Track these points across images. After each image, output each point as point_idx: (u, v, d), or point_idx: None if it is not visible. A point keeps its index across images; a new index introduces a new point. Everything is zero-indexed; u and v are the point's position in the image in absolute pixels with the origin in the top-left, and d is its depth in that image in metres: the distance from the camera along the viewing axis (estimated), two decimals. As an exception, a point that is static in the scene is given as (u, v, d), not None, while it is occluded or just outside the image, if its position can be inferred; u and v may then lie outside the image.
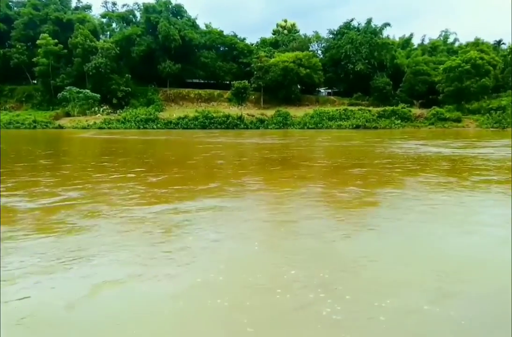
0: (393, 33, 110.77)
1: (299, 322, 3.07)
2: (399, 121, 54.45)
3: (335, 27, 72.26)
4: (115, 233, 5.23)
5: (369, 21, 69.67)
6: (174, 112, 56.43)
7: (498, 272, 4.03)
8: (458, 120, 54.00)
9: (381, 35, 69.60)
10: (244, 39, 75.02)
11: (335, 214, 6.39)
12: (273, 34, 79.83)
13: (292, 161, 14.58)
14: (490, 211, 6.65)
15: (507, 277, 3.86)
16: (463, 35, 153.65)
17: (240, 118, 53.87)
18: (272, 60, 62.70)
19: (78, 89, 55.44)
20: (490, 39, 75.57)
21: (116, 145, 24.56)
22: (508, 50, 71.07)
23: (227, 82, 67.16)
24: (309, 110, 58.07)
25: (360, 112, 55.99)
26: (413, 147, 20.28)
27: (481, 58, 56.00)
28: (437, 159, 14.50)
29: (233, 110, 57.35)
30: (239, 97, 59.39)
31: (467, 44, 69.72)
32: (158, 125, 52.21)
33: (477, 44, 66.85)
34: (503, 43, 73.95)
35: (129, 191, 8.12)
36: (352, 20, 71.43)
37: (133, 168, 11.92)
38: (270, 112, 55.96)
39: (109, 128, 50.13)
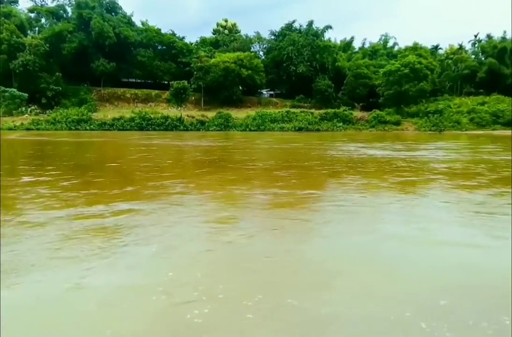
0: (335, 36, 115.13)
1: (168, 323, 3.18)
2: (341, 124, 56.63)
3: (277, 28, 73.96)
4: (6, 238, 5.05)
5: (310, 23, 72.12)
6: (108, 113, 54.73)
7: (376, 268, 4.38)
8: (397, 123, 57.15)
9: (322, 38, 72.28)
10: (183, 38, 74.67)
11: (246, 214, 6.58)
12: (214, 33, 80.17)
13: (221, 164, 14.72)
14: (393, 210, 7.18)
15: (384, 272, 4.25)
16: (402, 40, 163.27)
17: (179, 119, 53.33)
18: (213, 60, 62.85)
19: (3, 88, 52.59)
20: (427, 44, 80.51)
21: (40, 147, 23.45)
22: (444, 55, 76.67)
23: (166, 82, 66.37)
24: (251, 112, 58.77)
25: (302, 114, 57.59)
26: (350, 150, 21.15)
27: (419, 63, 59.61)
28: (366, 161, 15.28)
29: (172, 111, 56.64)
30: (179, 98, 58.86)
31: (406, 49, 74.07)
32: (92, 126, 50.43)
33: (415, 48, 71.33)
34: (439, 48, 79.62)
35: (36, 195, 7.86)
36: (293, 21, 73.61)
37: (49, 172, 11.49)
38: (211, 114, 55.96)
39: (38, 129, 47.73)
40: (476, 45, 76.59)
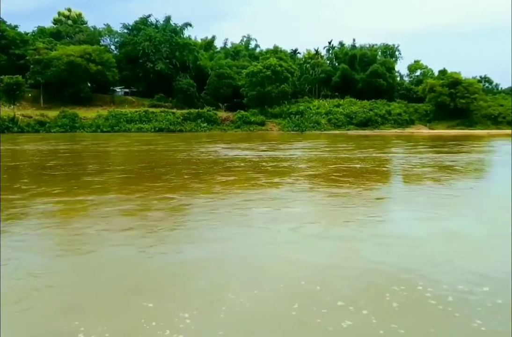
0: (195, 34, 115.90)
1: None
2: (205, 124, 56.55)
3: (130, 21, 71.36)
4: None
5: (168, 19, 71.34)
6: None
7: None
8: (262, 124, 59.37)
9: (182, 35, 71.97)
10: (16, 26, 67.38)
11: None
12: (54, 23, 73.84)
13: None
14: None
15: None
16: (264, 42, 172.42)
17: (12, 119, 47.26)
18: (54, 53, 57.79)
19: None
20: (287, 47, 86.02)
21: None
22: (303, 59, 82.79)
23: (-6, 77, 58.36)
24: (103, 111, 55.06)
25: (163, 114, 56.03)
26: (215, 151, 21.15)
27: (280, 65, 63.16)
28: (200, 163, 15.71)
29: (4, 111, 49.80)
30: (11, 95, 52.20)
31: (267, 51, 78.24)
32: None
33: (276, 51, 75.68)
34: (298, 52, 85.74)
35: None
36: (149, 16, 72.12)
37: None
38: (53, 113, 50.75)
39: None
40: (330, 52, 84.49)
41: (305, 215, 7.70)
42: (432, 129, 59.73)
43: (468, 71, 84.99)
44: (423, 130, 58.95)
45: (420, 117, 63.42)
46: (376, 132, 57.10)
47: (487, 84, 79.34)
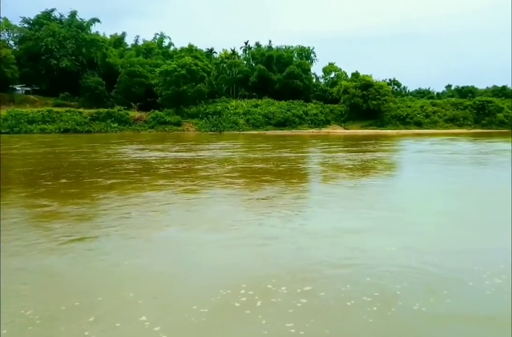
0: (104, 30, 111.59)
1: None
2: (116, 124, 54.94)
3: (31, 15, 67.59)
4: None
5: (73, 14, 68.77)
6: None
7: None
8: (178, 124, 58.93)
9: (89, 31, 69.50)
10: None
11: None
12: None
13: None
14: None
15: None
16: (178, 40, 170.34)
17: None
18: None
19: None
20: (202, 46, 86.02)
21: None
22: (219, 59, 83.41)
23: None
24: (1, 111, 51.23)
25: (68, 114, 53.57)
26: (125, 152, 20.86)
27: (196, 64, 63.07)
28: (89, 166, 16.05)
29: None
30: None
31: (182, 50, 77.87)
32: None
33: (191, 50, 75.63)
34: (214, 52, 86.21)
35: None
36: (52, 10, 68.96)
37: None
38: None
39: None
40: (247, 52, 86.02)
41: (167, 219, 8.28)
42: (347, 129, 63.18)
43: (378, 74, 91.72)
44: (338, 130, 62.16)
45: (335, 117, 66.72)
46: (294, 132, 59.17)
47: (396, 87, 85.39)
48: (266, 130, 60.42)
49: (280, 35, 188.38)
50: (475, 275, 5.35)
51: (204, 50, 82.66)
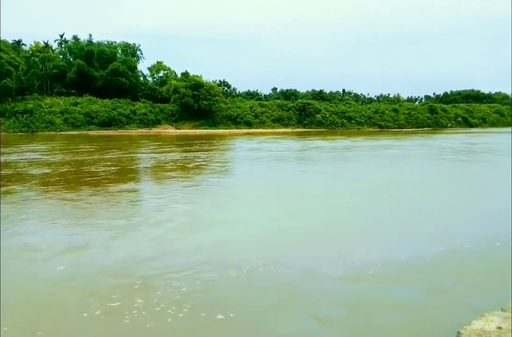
0: None
1: None
2: None
3: None
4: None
5: None
6: None
7: None
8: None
9: None
10: None
11: None
12: None
13: None
14: None
15: None
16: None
17: None
18: None
19: None
20: (7, 37, 75.82)
21: None
22: (30, 52, 74.44)
23: None
24: None
25: None
26: None
27: (0, 57, 55.29)
28: None
29: None
30: None
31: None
32: None
33: (-8, 41, 65.72)
34: (23, 44, 76.72)
35: None
36: None
37: None
38: None
39: None
40: (63, 45, 78.62)
41: None
42: (179, 128, 61.88)
43: (209, 75, 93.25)
44: (170, 130, 60.49)
45: (166, 117, 64.79)
46: (121, 132, 55.65)
47: (226, 88, 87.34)
48: (89, 130, 55.49)
49: (102, 30, 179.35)
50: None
51: (10, 41, 72.92)
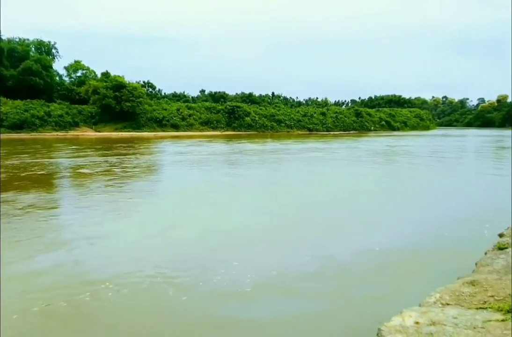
0: None
1: None
2: None
3: None
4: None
5: None
6: None
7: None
8: None
9: None
10: None
11: None
12: None
13: None
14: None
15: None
16: None
17: None
18: None
19: None
20: None
21: None
22: None
23: None
24: None
25: None
26: None
27: None
28: None
29: None
30: None
31: None
32: None
33: None
34: None
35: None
36: None
37: None
38: None
39: None
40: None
41: None
42: (99, 131, 58.51)
43: (131, 76, 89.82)
44: (89, 133, 57.03)
45: (85, 119, 61.07)
46: (34, 135, 51.55)
47: (150, 89, 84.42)
48: (-4, 133, 50.89)
49: (11, 27, 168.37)
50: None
51: None
